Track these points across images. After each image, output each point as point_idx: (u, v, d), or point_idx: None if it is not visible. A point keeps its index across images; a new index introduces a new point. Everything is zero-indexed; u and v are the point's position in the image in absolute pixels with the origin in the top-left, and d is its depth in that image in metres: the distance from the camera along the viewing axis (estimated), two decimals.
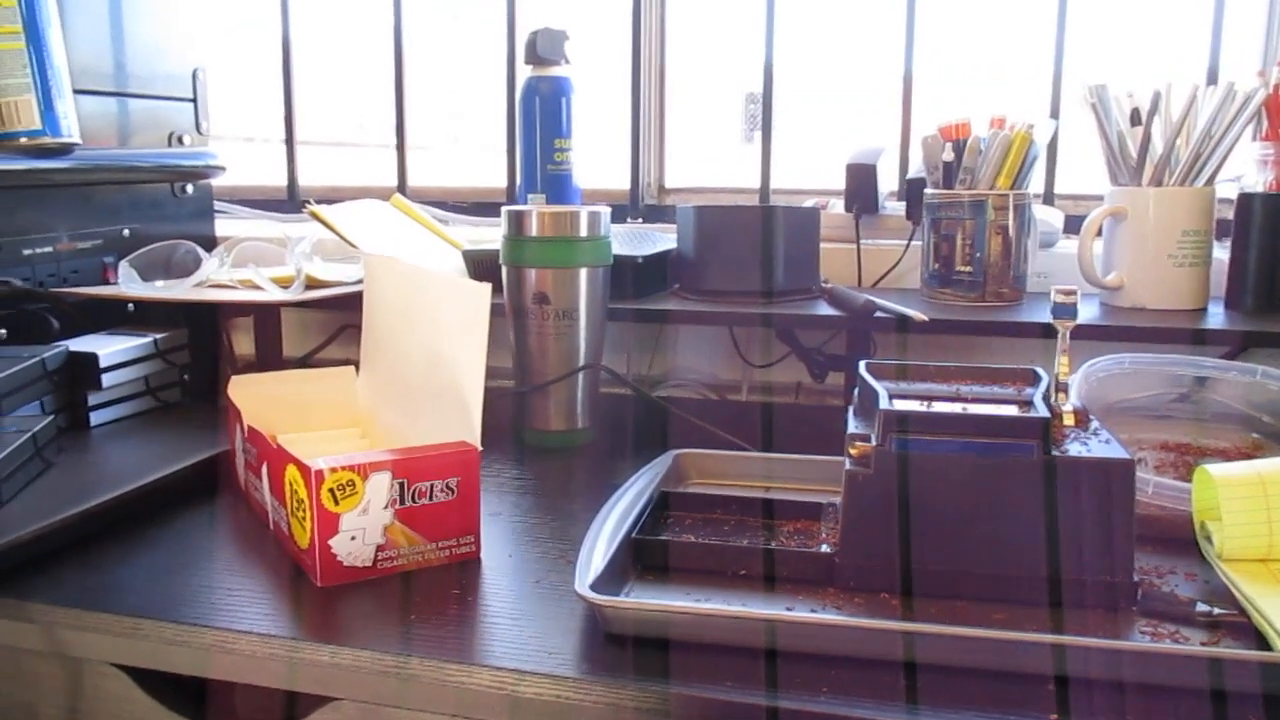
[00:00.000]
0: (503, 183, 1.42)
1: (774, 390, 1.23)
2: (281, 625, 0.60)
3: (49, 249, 1.03)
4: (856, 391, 0.73)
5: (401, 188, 1.44)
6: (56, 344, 0.94)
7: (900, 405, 0.65)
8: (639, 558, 0.66)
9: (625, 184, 1.38)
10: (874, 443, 0.62)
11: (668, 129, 1.40)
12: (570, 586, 0.60)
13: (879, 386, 0.68)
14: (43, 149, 0.99)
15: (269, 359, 1.26)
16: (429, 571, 0.67)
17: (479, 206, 1.42)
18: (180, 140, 1.19)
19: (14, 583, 0.65)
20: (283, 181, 1.50)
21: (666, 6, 1.37)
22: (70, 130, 1.00)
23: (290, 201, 1.49)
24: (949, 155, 1.03)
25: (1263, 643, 0.55)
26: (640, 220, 1.37)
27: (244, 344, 1.31)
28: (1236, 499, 0.63)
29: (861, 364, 0.74)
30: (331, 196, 1.30)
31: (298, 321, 1.31)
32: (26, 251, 1.01)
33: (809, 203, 1.23)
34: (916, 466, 0.61)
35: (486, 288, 0.68)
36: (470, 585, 0.65)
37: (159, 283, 1.07)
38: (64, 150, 1.01)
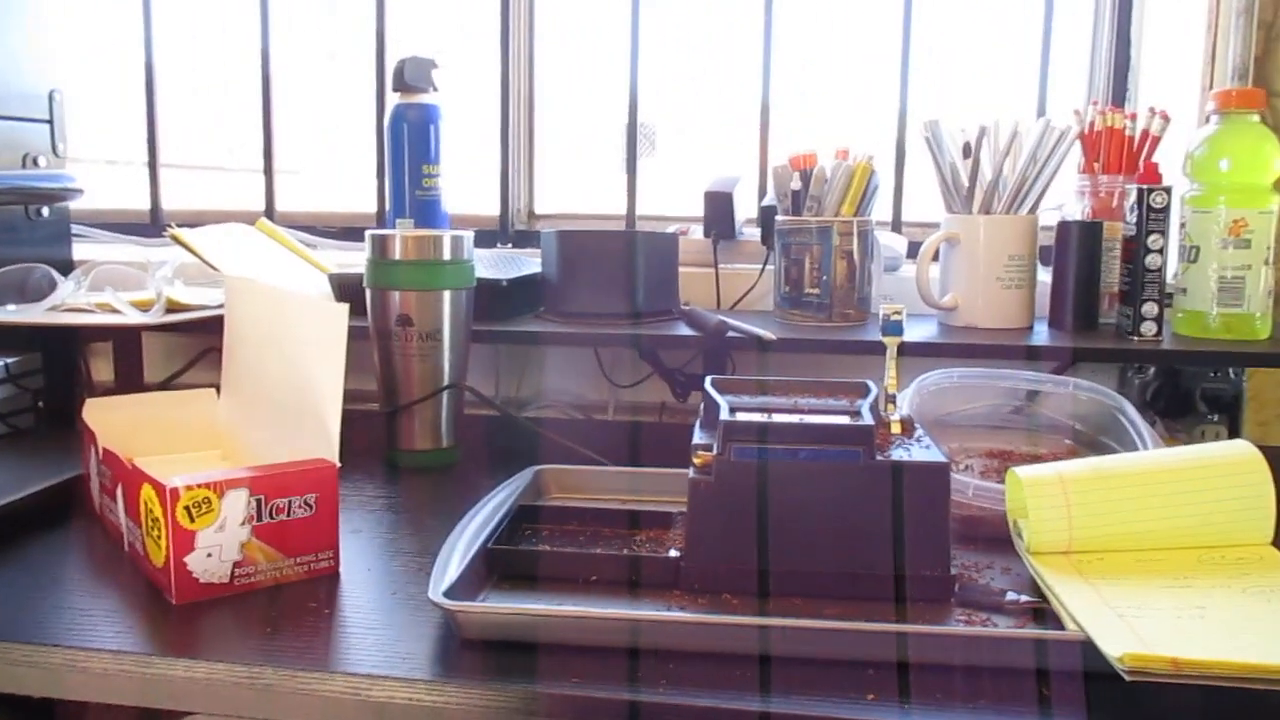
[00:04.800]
0: (374, 208, 1.43)
1: (639, 410, 1.26)
2: (135, 643, 0.60)
3: None
4: (702, 405, 0.77)
5: (269, 212, 1.44)
6: None
7: (741, 417, 0.70)
8: (496, 567, 0.69)
9: (496, 210, 1.41)
10: (715, 452, 0.67)
11: (538, 156, 1.44)
12: (427, 596, 0.62)
13: (721, 400, 0.73)
14: None
15: (129, 384, 1.24)
16: (288, 587, 0.68)
17: (349, 231, 1.42)
18: (35, 162, 1.16)
19: None
20: (145, 205, 1.48)
21: (535, 35, 1.41)
22: None
23: (153, 225, 1.46)
24: (797, 184, 1.09)
25: (1061, 625, 0.61)
26: (510, 245, 1.40)
27: (104, 370, 1.28)
28: (1040, 497, 0.69)
29: (708, 380, 0.78)
30: (196, 221, 1.28)
31: (160, 346, 1.29)
32: None
33: (671, 228, 1.28)
34: (754, 473, 0.66)
35: (344, 308, 0.70)
36: (328, 598, 0.67)
37: (10, 306, 1.05)
38: None
